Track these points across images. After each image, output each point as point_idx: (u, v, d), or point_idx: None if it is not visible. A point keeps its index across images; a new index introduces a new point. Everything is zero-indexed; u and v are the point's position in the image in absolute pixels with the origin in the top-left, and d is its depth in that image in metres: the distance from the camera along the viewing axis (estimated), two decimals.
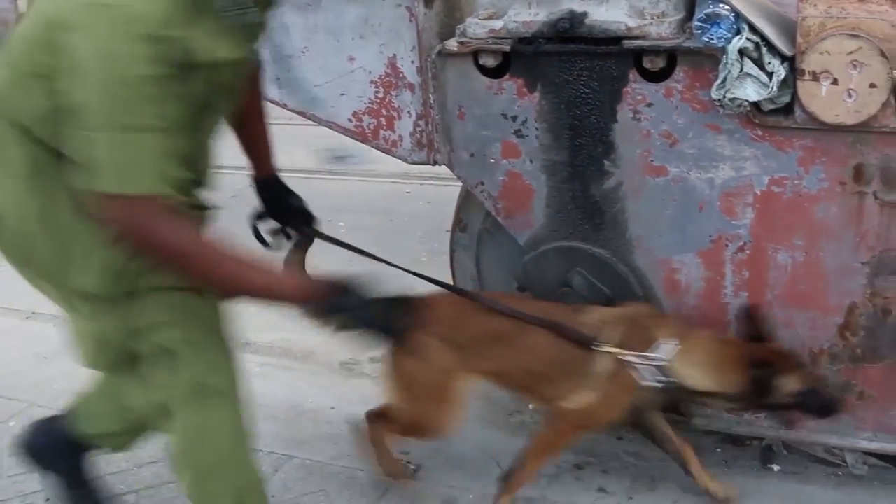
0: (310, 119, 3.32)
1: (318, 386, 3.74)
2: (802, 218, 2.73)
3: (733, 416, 3.00)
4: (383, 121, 3.16)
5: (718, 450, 3.17)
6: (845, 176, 2.65)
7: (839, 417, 2.86)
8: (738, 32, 2.55)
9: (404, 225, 5.34)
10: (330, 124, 3.27)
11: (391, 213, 5.58)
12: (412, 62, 3.04)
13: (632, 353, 2.69)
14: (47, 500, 3.13)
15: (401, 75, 3.07)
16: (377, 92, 3.14)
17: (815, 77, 2.52)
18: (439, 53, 2.96)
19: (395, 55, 3.05)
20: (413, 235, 5.14)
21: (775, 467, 3.09)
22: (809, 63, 2.52)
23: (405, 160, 3.20)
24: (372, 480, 3.12)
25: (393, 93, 3.12)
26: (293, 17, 3.15)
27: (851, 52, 2.47)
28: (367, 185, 6.12)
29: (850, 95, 2.51)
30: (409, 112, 3.11)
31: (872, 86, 2.48)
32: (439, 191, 5.38)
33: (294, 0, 3.09)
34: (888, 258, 2.68)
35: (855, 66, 2.48)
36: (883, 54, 2.45)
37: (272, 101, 3.34)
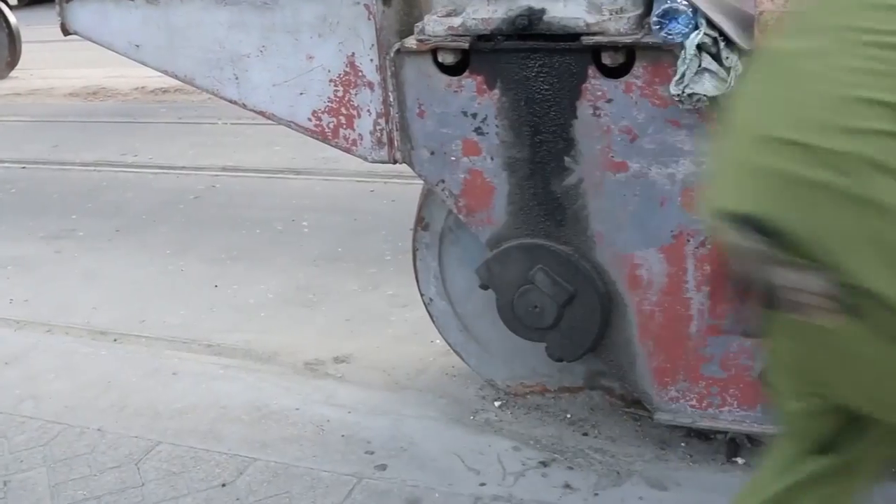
0: (269, 119, 3.29)
1: (282, 387, 3.71)
2: None
3: (697, 409, 3.01)
4: (343, 120, 3.14)
5: (683, 444, 3.18)
6: None
7: None
8: (696, 27, 2.56)
9: (368, 224, 5.31)
10: (289, 124, 3.24)
11: (355, 212, 5.56)
12: (371, 60, 3.02)
13: None
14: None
15: (360, 74, 3.06)
16: (336, 91, 3.12)
17: None
18: (398, 51, 2.95)
19: (353, 53, 3.04)
20: (377, 234, 5.12)
21: (740, 460, 3.09)
22: None
23: (365, 159, 3.19)
24: (337, 481, 3.10)
25: (352, 91, 3.10)
26: (250, 15, 3.13)
27: None
28: (330, 184, 6.10)
29: None
30: (368, 111, 3.09)
31: None
32: (403, 189, 5.37)
33: None
34: None
35: None
36: None
37: (230, 101, 3.31)
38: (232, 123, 7.54)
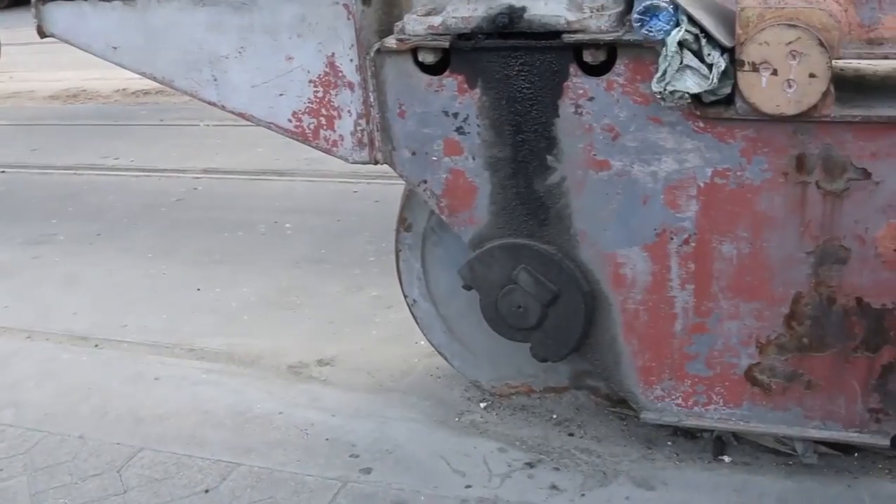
0: (248, 120, 3.26)
1: (265, 391, 3.68)
2: (746, 209, 2.72)
3: (683, 408, 2.99)
4: (323, 121, 3.11)
5: (670, 443, 3.16)
6: (787, 166, 2.65)
7: (787, 407, 2.87)
8: (677, 25, 2.55)
9: (352, 225, 5.29)
10: (269, 125, 3.21)
11: (338, 213, 5.53)
12: (351, 60, 2.99)
13: None
14: None
15: (340, 74, 3.03)
16: (316, 91, 3.08)
17: (755, 68, 2.52)
18: (378, 51, 2.92)
19: (333, 54, 3.01)
20: (361, 236, 5.09)
21: (726, 458, 3.08)
22: (749, 54, 2.52)
23: (346, 160, 3.16)
24: (321, 485, 3.07)
25: (332, 92, 3.07)
26: (229, 16, 3.09)
27: (790, 43, 2.48)
28: (313, 186, 6.06)
29: (790, 86, 2.51)
30: (349, 111, 3.06)
31: (812, 76, 2.49)
32: (387, 190, 5.34)
33: None
34: (832, 247, 2.69)
35: (794, 56, 2.49)
36: (821, 44, 2.46)
37: (209, 103, 3.27)
38: (215, 125, 7.50)
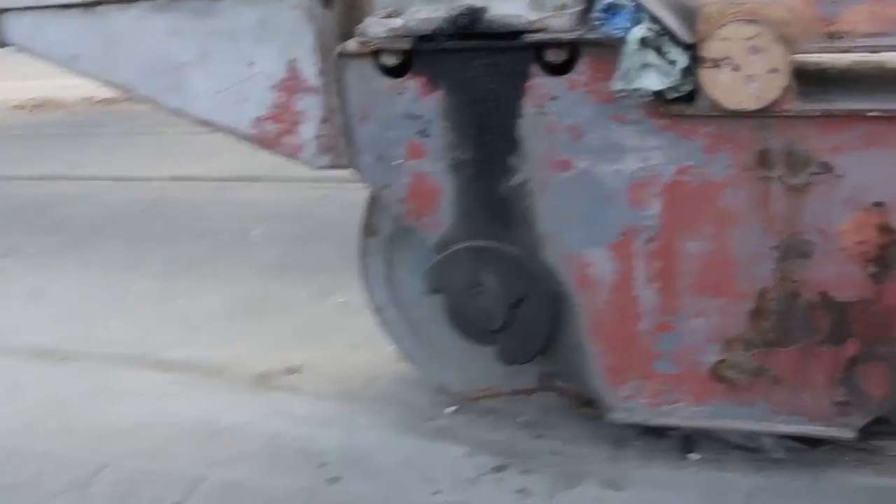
0: (211, 127, 3.22)
1: (232, 402, 3.63)
2: (710, 206, 2.72)
3: (651, 407, 2.99)
4: (286, 126, 3.08)
5: (638, 442, 3.15)
6: (750, 162, 2.65)
7: (754, 402, 2.88)
8: (638, 22, 2.54)
9: (319, 231, 5.24)
10: (232, 131, 3.17)
11: (305, 218, 5.49)
12: (313, 65, 2.96)
13: None
14: None
15: (302, 79, 3.00)
16: (278, 97, 3.05)
17: (717, 64, 2.53)
18: (340, 55, 2.90)
19: (295, 58, 2.98)
20: (327, 241, 5.04)
21: (695, 456, 3.08)
22: (710, 50, 2.52)
23: (310, 166, 3.13)
24: (289, 496, 3.04)
25: (295, 97, 3.04)
26: (189, 22, 3.05)
27: (751, 38, 2.48)
28: (280, 191, 6.01)
29: (751, 81, 2.52)
30: (312, 116, 3.03)
31: (773, 70, 2.49)
32: (353, 194, 5.30)
33: (189, 4, 3.00)
34: (795, 242, 2.69)
35: (755, 52, 2.49)
36: (782, 39, 2.47)
37: (172, 111, 3.24)
38: (182, 133, 7.42)
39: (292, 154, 3.13)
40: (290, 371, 3.83)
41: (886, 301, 2.70)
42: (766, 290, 2.77)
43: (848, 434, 2.87)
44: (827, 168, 2.60)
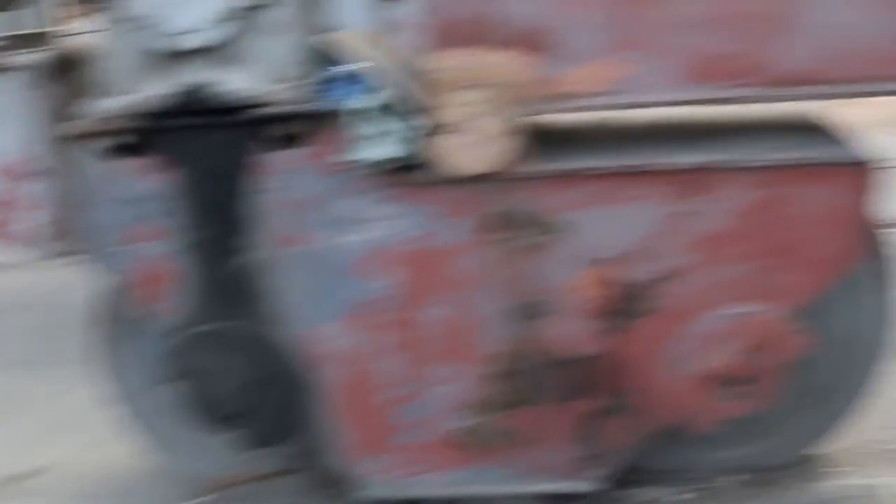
0: None
1: None
2: (445, 272, 2.77)
3: (396, 480, 2.95)
4: (14, 214, 2.94)
5: None
6: (483, 225, 2.72)
7: (497, 465, 2.91)
8: (363, 92, 2.58)
9: (66, 319, 4.92)
10: None
11: (45, 307, 5.19)
12: (41, 147, 2.86)
13: None
14: None
15: (29, 162, 2.88)
16: (6, 182, 2.92)
17: (447, 130, 2.60)
18: (69, 135, 2.80)
19: (23, 140, 2.86)
20: (75, 330, 4.74)
21: None
22: (440, 117, 2.60)
23: (41, 254, 2.99)
24: None
25: (22, 182, 2.91)
26: None
27: (479, 103, 2.58)
28: (22, 279, 5.63)
29: (479, 145, 2.61)
30: (41, 202, 2.91)
31: (501, 134, 2.60)
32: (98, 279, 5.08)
33: None
34: (530, 302, 2.77)
35: (483, 116, 2.58)
36: (506, 103, 2.56)
37: None
38: None
39: (23, 242, 2.99)
40: (35, 473, 3.59)
41: (621, 353, 2.81)
42: (504, 353, 2.82)
43: (587, 487, 2.93)
44: (555, 227, 2.71)
